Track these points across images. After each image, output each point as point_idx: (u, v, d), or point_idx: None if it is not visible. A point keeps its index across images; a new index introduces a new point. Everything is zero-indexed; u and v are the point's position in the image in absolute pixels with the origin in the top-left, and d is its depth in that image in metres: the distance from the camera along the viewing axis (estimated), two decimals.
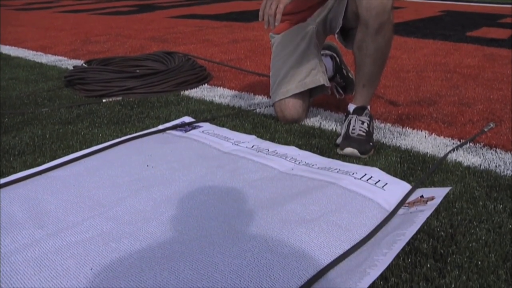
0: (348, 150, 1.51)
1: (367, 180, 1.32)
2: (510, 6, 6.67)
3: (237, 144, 1.62)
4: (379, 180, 1.32)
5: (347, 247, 1.02)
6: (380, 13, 1.50)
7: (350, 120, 1.61)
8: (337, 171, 1.38)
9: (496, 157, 1.50)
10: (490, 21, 4.93)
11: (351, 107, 1.67)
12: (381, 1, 1.48)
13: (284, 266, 0.95)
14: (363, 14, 1.52)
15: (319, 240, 1.04)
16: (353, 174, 1.35)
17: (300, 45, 1.83)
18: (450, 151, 1.54)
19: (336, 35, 1.78)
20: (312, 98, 1.95)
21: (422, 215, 1.12)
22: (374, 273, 0.91)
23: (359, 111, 1.63)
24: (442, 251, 1.01)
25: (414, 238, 1.05)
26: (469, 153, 1.54)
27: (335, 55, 2.12)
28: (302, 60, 1.83)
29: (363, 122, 1.59)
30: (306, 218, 1.13)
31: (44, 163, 1.49)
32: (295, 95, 1.82)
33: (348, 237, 1.06)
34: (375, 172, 1.37)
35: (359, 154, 1.51)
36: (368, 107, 1.67)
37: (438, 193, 1.23)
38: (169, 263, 0.97)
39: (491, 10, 6.09)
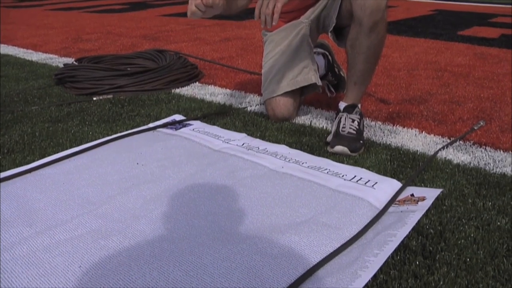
0: (338, 148, 1.51)
1: (357, 181, 1.32)
2: (500, 5, 6.71)
3: (227, 142, 1.62)
4: (368, 180, 1.32)
5: (337, 245, 1.02)
6: (375, 11, 1.50)
7: (341, 118, 1.61)
8: (327, 172, 1.38)
9: (485, 155, 1.51)
10: (481, 20, 4.96)
11: (342, 105, 1.67)
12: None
13: (273, 267, 0.95)
14: (357, 12, 1.52)
15: (309, 240, 1.04)
16: (342, 176, 1.35)
17: (292, 43, 1.83)
18: (440, 149, 1.54)
19: (329, 34, 1.78)
20: (304, 96, 1.95)
21: (413, 216, 1.12)
22: (365, 275, 0.91)
23: (349, 109, 1.63)
24: (431, 248, 1.01)
25: None
26: (459, 151, 1.55)
27: (327, 53, 2.12)
28: (294, 58, 1.83)
29: (353, 120, 1.59)
30: (295, 221, 1.13)
31: (33, 161, 1.48)
32: (286, 94, 1.82)
33: (338, 236, 1.06)
34: (365, 173, 1.37)
35: (349, 152, 1.51)
36: (359, 105, 1.67)
37: (429, 194, 1.23)
38: (158, 263, 0.96)
39: (482, 10, 6.12)
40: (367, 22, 1.51)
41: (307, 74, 1.81)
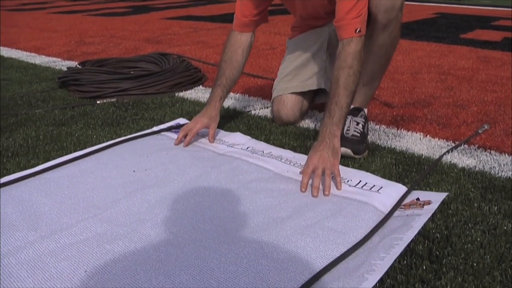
0: (342, 150, 1.51)
1: (362, 186, 1.31)
2: (503, 9, 6.71)
3: (232, 146, 1.62)
4: (374, 185, 1.31)
5: (343, 249, 1.02)
6: (389, 9, 1.49)
7: (345, 120, 1.60)
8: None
9: (490, 158, 1.51)
10: (483, 24, 4.96)
11: None
12: None
13: (280, 271, 0.94)
14: (372, 10, 1.51)
15: (315, 244, 1.04)
16: (348, 181, 1.35)
17: (310, 48, 1.85)
18: (445, 153, 1.54)
19: None
20: (315, 103, 1.95)
21: (419, 219, 1.12)
22: (372, 279, 0.90)
23: (355, 112, 1.63)
24: (437, 252, 1.01)
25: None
26: (463, 154, 1.54)
27: None
28: (308, 62, 1.84)
29: (358, 123, 1.59)
30: (301, 224, 1.12)
31: (37, 164, 1.48)
32: (295, 97, 1.82)
33: (344, 240, 1.06)
34: (370, 178, 1.37)
35: (352, 154, 1.51)
36: (365, 109, 1.66)
37: (434, 198, 1.23)
38: (164, 267, 0.96)
39: (485, 13, 6.12)
40: (381, 19, 1.50)
41: (318, 79, 1.82)
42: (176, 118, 1.93)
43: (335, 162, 1.35)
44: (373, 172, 1.41)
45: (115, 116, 1.97)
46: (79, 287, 0.90)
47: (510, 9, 6.60)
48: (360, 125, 1.59)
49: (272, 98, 1.89)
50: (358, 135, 1.56)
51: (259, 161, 1.48)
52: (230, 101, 2.17)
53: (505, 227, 1.10)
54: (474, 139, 1.67)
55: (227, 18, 5.68)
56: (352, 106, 1.65)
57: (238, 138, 1.70)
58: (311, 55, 1.85)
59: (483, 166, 1.45)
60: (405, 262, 0.98)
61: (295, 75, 1.84)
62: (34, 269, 0.96)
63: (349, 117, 1.61)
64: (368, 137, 1.65)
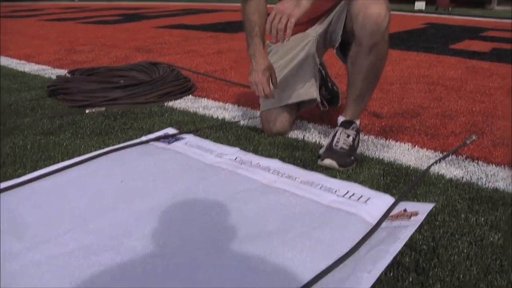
0: (327, 161, 1.51)
1: (350, 197, 1.31)
2: (491, 20, 6.79)
3: (220, 156, 1.61)
4: (361, 196, 1.31)
5: (330, 262, 1.01)
6: (375, 32, 1.49)
7: (336, 132, 1.60)
8: (320, 187, 1.38)
9: (478, 169, 1.52)
10: (472, 34, 5.00)
11: (340, 119, 1.66)
12: (376, 20, 1.47)
13: (267, 285, 0.94)
14: (357, 32, 1.51)
15: (302, 256, 1.04)
16: (335, 191, 1.35)
17: (297, 56, 1.82)
18: (432, 164, 1.54)
19: (335, 50, 1.78)
20: (300, 111, 1.95)
21: (406, 231, 1.12)
22: None
23: (346, 124, 1.63)
24: (424, 264, 1.01)
25: None
26: (451, 165, 1.55)
27: (321, 68, 2.12)
28: (297, 72, 1.82)
29: (348, 136, 1.59)
30: (289, 235, 1.12)
31: (24, 174, 1.47)
32: (284, 108, 1.81)
33: (331, 252, 1.06)
34: (358, 188, 1.37)
35: (337, 167, 1.50)
36: (358, 121, 1.66)
37: (421, 209, 1.23)
38: (150, 279, 0.95)
39: (474, 24, 6.18)
40: (366, 42, 1.51)
41: (309, 88, 1.81)
42: (165, 128, 1.92)
43: (295, 10, 1.43)
44: (361, 183, 1.42)
45: (104, 126, 1.96)
46: None
47: (499, 20, 6.67)
48: (351, 138, 1.58)
49: (261, 111, 1.88)
50: (347, 148, 1.55)
51: (247, 172, 1.48)
52: (219, 111, 2.17)
53: (491, 239, 1.11)
54: (462, 149, 1.68)
55: (218, 27, 5.70)
56: (343, 119, 1.65)
57: (227, 148, 1.69)
58: (299, 64, 1.82)
59: (471, 176, 1.46)
60: (391, 274, 0.98)
61: (285, 87, 1.82)
62: (18, 280, 0.95)
63: (340, 129, 1.61)
64: (357, 150, 1.64)
